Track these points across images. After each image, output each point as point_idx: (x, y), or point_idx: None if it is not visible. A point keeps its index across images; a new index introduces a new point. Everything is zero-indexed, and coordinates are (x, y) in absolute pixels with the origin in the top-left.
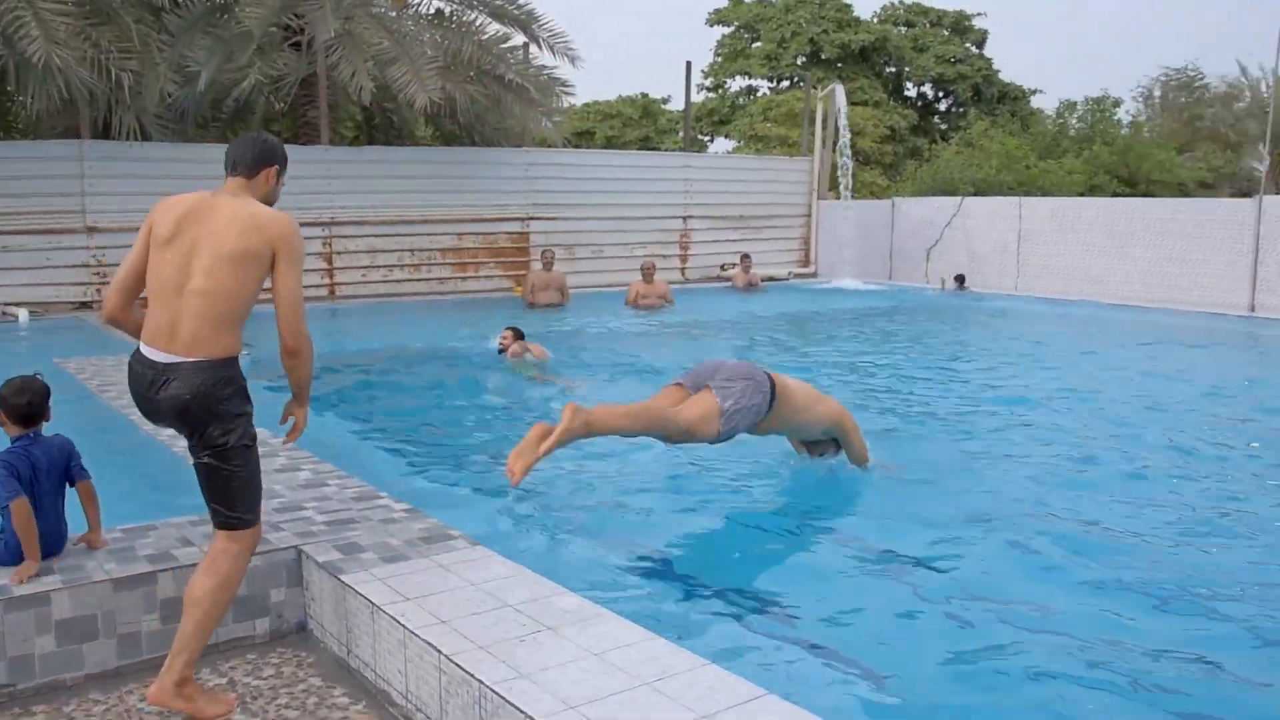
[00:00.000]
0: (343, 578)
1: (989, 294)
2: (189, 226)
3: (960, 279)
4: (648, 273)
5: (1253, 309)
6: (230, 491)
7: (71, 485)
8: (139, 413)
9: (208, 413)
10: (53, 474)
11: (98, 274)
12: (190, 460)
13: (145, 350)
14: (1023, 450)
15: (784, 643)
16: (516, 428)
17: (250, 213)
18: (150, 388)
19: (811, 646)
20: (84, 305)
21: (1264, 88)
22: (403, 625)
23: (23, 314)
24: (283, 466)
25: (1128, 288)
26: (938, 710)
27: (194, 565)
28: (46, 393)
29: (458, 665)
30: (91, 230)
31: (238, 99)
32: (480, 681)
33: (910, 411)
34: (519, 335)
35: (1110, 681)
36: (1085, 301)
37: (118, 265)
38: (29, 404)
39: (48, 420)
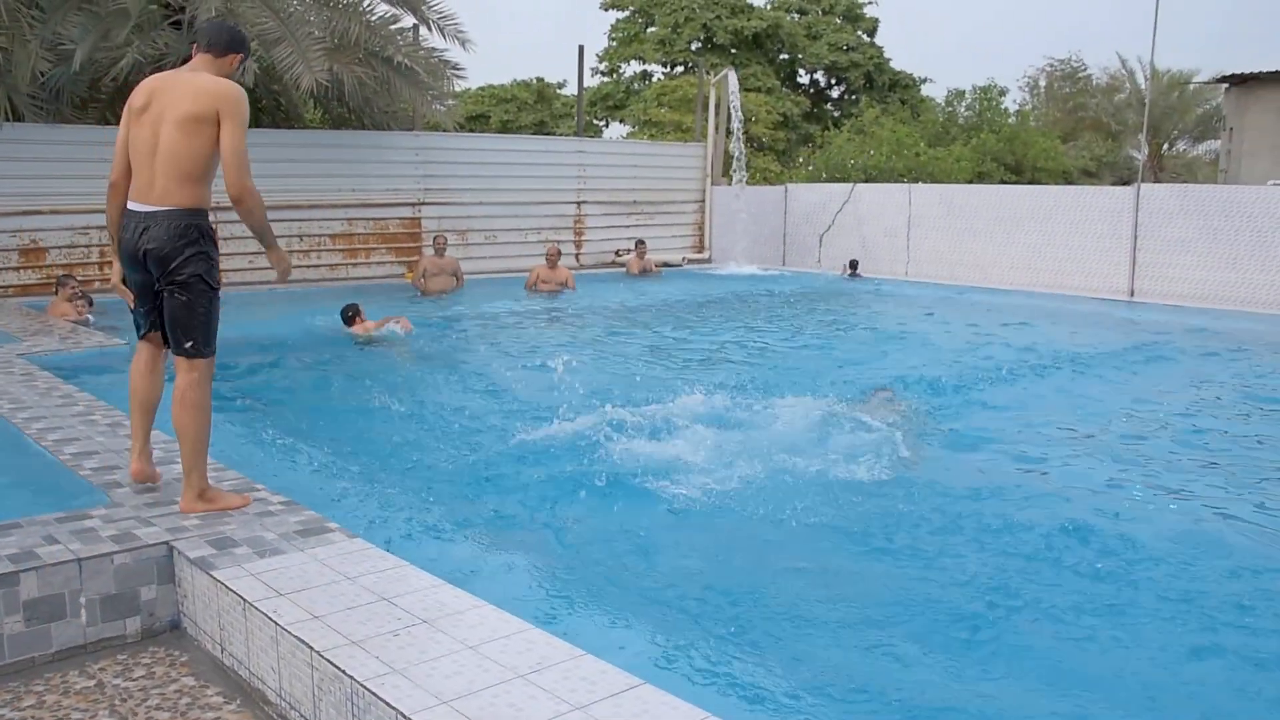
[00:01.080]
0: (214, 574)
1: (880, 279)
2: (157, 98)
3: (853, 265)
4: (551, 258)
5: (1132, 294)
6: (190, 320)
7: None
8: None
9: (176, 251)
10: None
11: None
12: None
13: (132, 205)
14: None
15: (664, 630)
16: (397, 415)
17: (201, 82)
18: (137, 235)
19: (693, 633)
20: None
21: (1141, 80)
22: (274, 621)
23: None
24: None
25: (1014, 273)
26: (827, 693)
27: (60, 563)
28: None
29: (329, 661)
30: None
31: (116, 79)
32: (351, 678)
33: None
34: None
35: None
36: (973, 288)
37: None
38: None
39: None
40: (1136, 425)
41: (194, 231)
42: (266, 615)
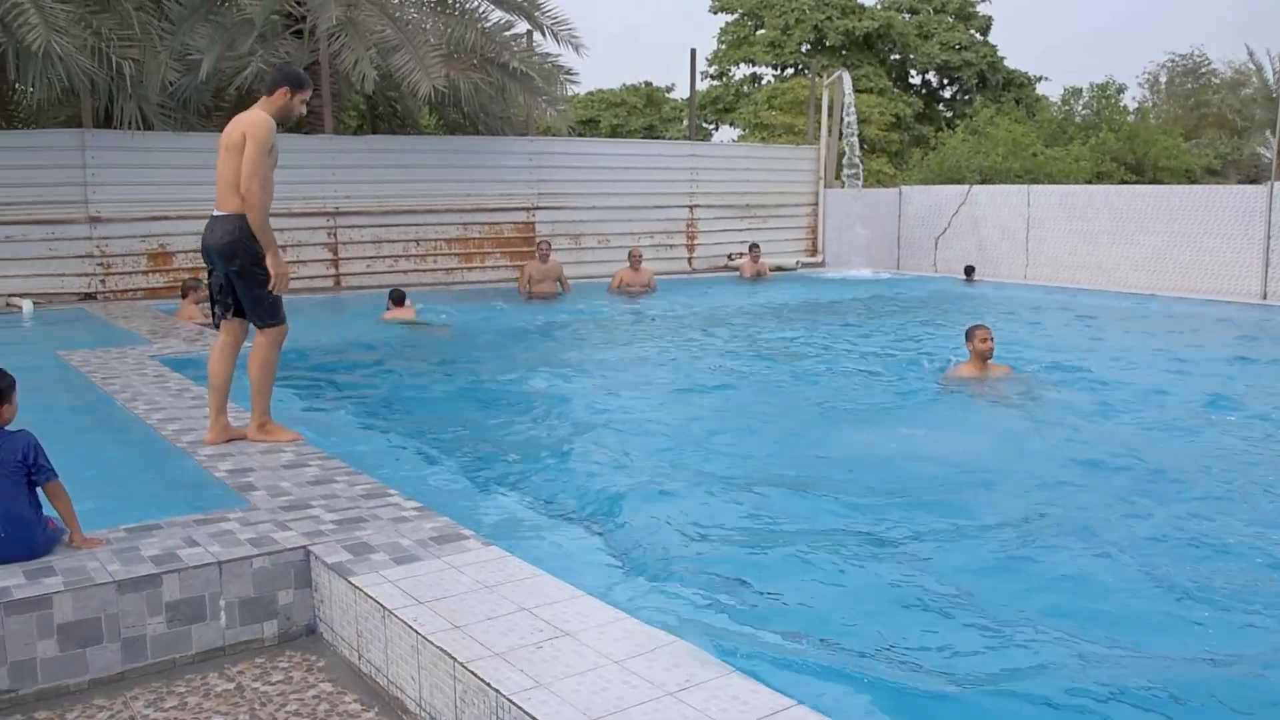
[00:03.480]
0: (352, 580)
1: (998, 283)
2: (224, 132)
3: (969, 270)
4: (635, 260)
5: (1265, 296)
6: (250, 302)
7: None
8: (144, 404)
9: (228, 247)
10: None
11: (101, 264)
12: None
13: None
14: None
15: (817, 649)
16: (530, 419)
17: (241, 116)
18: (206, 235)
19: (847, 654)
20: (88, 296)
21: (1270, 73)
22: (415, 630)
23: (26, 305)
24: (290, 463)
25: (1137, 276)
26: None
27: (202, 565)
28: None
29: (473, 673)
30: (95, 220)
31: (240, 88)
32: (497, 691)
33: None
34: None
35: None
36: (1093, 290)
37: (122, 256)
38: None
39: (4, 414)
40: None
41: (238, 232)
42: (407, 624)
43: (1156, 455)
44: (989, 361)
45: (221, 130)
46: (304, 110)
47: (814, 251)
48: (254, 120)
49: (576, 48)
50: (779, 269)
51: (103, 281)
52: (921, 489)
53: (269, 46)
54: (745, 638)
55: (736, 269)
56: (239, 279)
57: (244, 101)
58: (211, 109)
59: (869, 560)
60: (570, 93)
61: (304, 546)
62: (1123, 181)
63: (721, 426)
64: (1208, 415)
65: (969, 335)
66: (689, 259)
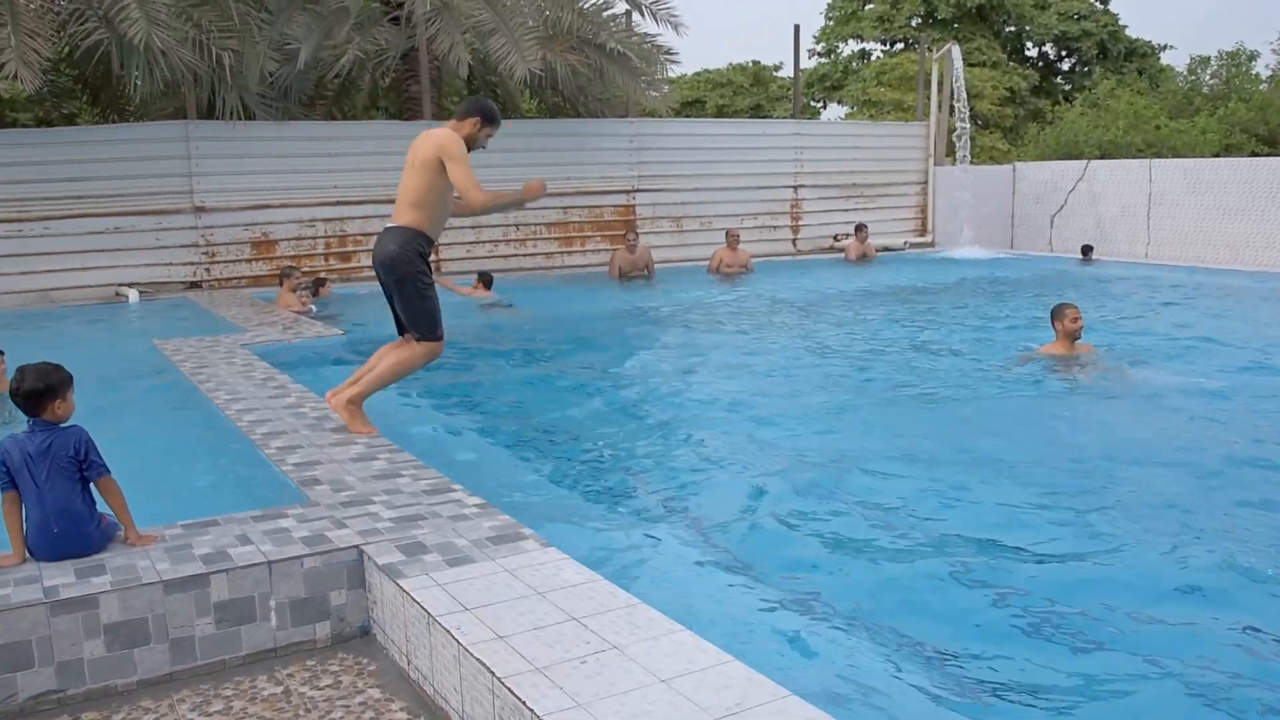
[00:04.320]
0: (401, 582)
1: (1118, 262)
2: (412, 150)
3: (1086, 250)
4: (733, 240)
5: None
6: (408, 313)
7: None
8: (226, 394)
9: (390, 257)
10: (51, 465)
11: (206, 253)
12: None
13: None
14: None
15: (883, 676)
16: (604, 412)
17: (432, 133)
18: (376, 244)
19: (919, 685)
20: (193, 285)
21: None
22: (457, 640)
23: (133, 294)
24: (359, 456)
25: (1270, 253)
26: None
27: (251, 565)
28: (49, 383)
29: (510, 691)
30: (199, 210)
31: (339, 75)
32: (533, 711)
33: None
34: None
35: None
36: (1220, 270)
37: (226, 244)
38: (20, 392)
39: (58, 410)
40: None
41: (407, 244)
42: (449, 632)
43: (1222, 447)
44: (1076, 342)
45: (324, 118)
46: (487, 145)
47: (923, 231)
48: (446, 137)
49: (676, 27)
50: (886, 249)
51: (208, 270)
52: (1001, 478)
53: (366, 34)
54: (815, 654)
55: (842, 250)
56: (398, 290)
57: (345, 89)
58: (313, 98)
59: (964, 573)
60: (671, 73)
61: (357, 546)
62: (1254, 154)
63: (810, 420)
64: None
65: (1057, 314)
66: (794, 240)
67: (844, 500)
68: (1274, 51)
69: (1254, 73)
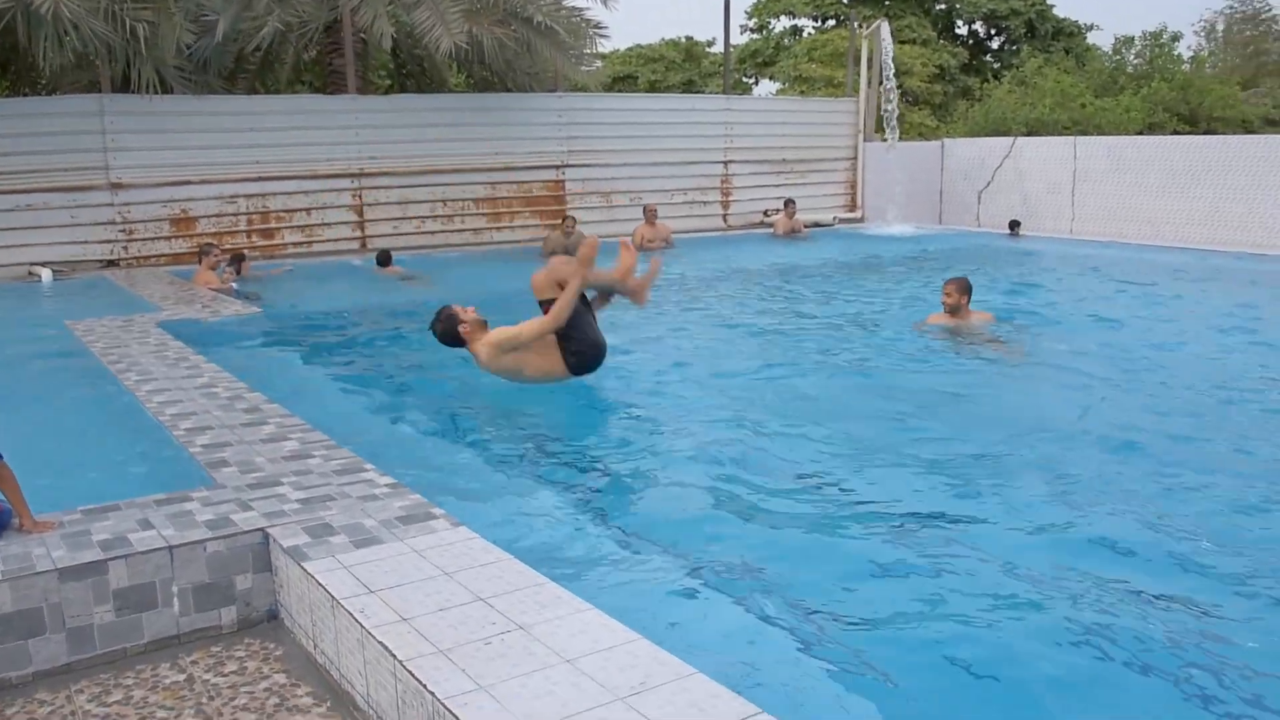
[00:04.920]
0: (306, 565)
1: (1044, 237)
2: None
3: (1014, 225)
4: (650, 215)
5: None
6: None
7: None
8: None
9: None
10: None
11: (124, 231)
12: None
13: None
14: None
15: (791, 649)
16: (520, 391)
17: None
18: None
19: (828, 658)
20: (110, 264)
21: None
22: (360, 623)
23: (46, 274)
24: (270, 436)
25: (1189, 230)
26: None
27: (151, 551)
28: None
29: (412, 674)
30: (116, 187)
31: (260, 48)
32: (433, 694)
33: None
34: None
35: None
36: (1141, 245)
37: (144, 222)
38: None
39: None
40: None
41: None
42: (353, 615)
43: (1094, 404)
44: (967, 309)
45: (245, 92)
46: None
47: (852, 207)
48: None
49: (605, 1)
50: (816, 225)
51: (125, 248)
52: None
53: (287, 5)
54: (724, 631)
55: (771, 225)
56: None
57: (267, 63)
58: (234, 71)
59: (872, 547)
60: (602, 48)
61: (263, 529)
62: (1175, 133)
63: (725, 395)
64: (1173, 366)
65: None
66: (724, 216)
67: (756, 475)
68: (1196, 33)
69: (1177, 53)
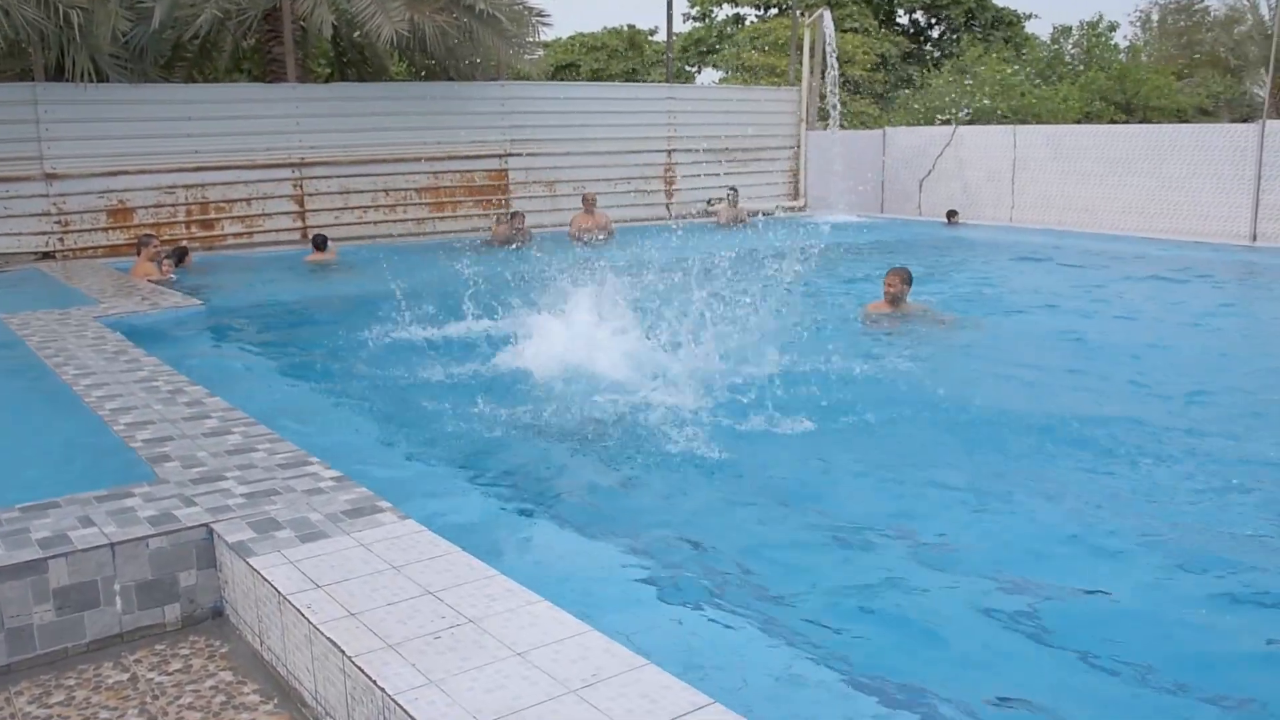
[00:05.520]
0: (251, 561)
1: (984, 225)
2: None
3: (951, 214)
4: (589, 204)
5: (1255, 238)
6: None
7: None
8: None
9: None
10: None
11: (59, 222)
12: None
13: None
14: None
15: (742, 640)
16: (468, 381)
17: None
18: None
19: (777, 646)
20: (45, 255)
21: (1265, 10)
22: (308, 619)
23: None
24: (212, 430)
25: (1126, 218)
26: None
27: (93, 548)
28: None
29: (361, 670)
30: (50, 177)
31: (197, 36)
32: (383, 690)
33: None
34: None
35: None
36: (1079, 233)
37: (80, 213)
38: None
39: None
40: None
41: None
42: (300, 611)
43: (1024, 395)
44: (907, 300)
45: (183, 81)
46: None
47: (795, 195)
48: None
49: None
50: (759, 214)
51: (61, 240)
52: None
53: None
54: (675, 622)
55: (714, 214)
56: None
57: (206, 51)
58: (171, 59)
59: (817, 538)
60: (544, 36)
61: (207, 524)
62: (1112, 121)
63: (671, 384)
64: (1105, 352)
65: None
66: (667, 204)
67: (705, 466)
68: (1132, 24)
69: (1113, 43)
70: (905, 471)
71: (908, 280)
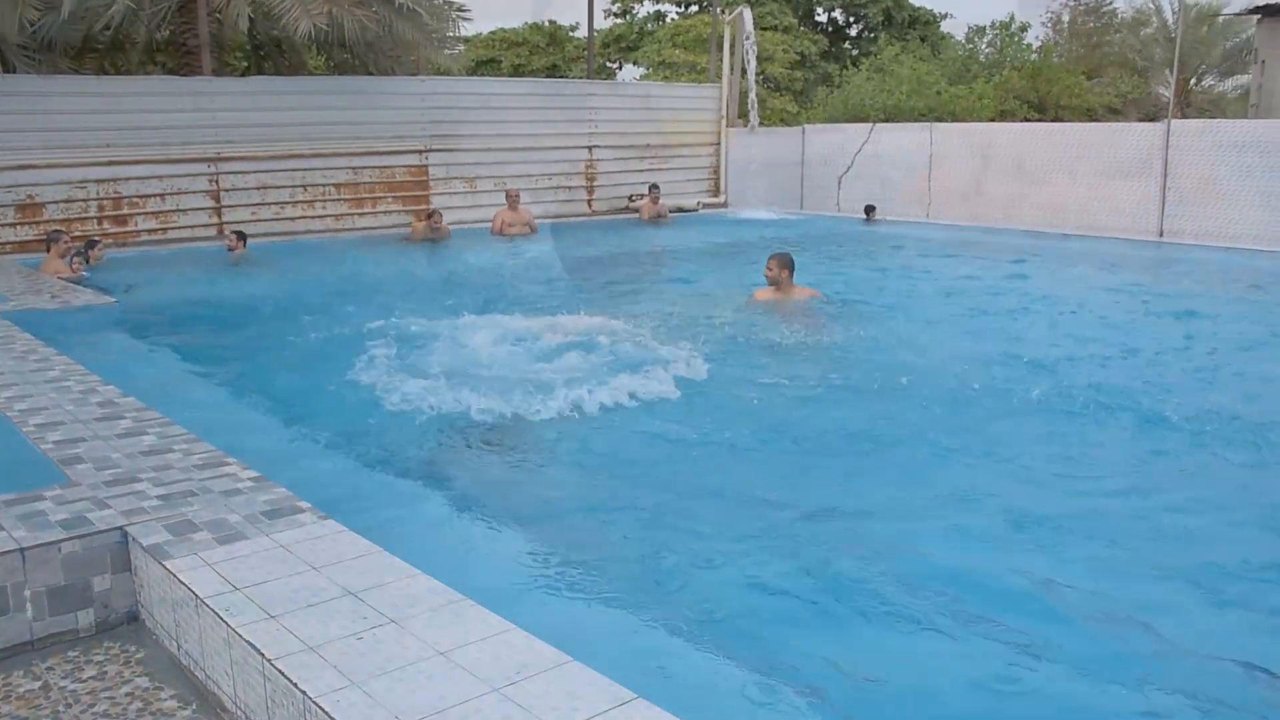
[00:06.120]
0: (167, 564)
1: (901, 221)
2: None
3: (869, 210)
4: (513, 200)
5: (1162, 234)
6: None
7: None
8: None
9: None
10: None
11: None
12: None
13: None
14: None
15: (663, 630)
16: (388, 377)
17: None
18: None
19: (697, 637)
20: None
21: (1169, 13)
22: (226, 622)
23: None
24: (126, 431)
25: (1039, 214)
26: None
27: (1, 553)
28: None
29: (281, 672)
30: None
31: (109, 27)
32: (304, 693)
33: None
34: (242, 237)
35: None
36: (992, 229)
37: None
38: None
39: None
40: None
41: None
42: (218, 614)
43: (891, 379)
44: (794, 286)
45: (94, 73)
46: None
47: (716, 192)
48: None
49: None
50: (680, 210)
51: None
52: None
53: None
54: (600, 619)
55: (636, 211)
56: None
57: (118, 43)
58: (81, 50)
59: (740, 533)
60: (465, 31)
61: (121, 527)
62: (1025, 120)
63: (594, 374)
64: (987, 344)
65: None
66: (589, 201)
67: (628, 460)
68: (1043, 24)
69: (1026, 43)
70: (811, 457)
71: (787, 265)
